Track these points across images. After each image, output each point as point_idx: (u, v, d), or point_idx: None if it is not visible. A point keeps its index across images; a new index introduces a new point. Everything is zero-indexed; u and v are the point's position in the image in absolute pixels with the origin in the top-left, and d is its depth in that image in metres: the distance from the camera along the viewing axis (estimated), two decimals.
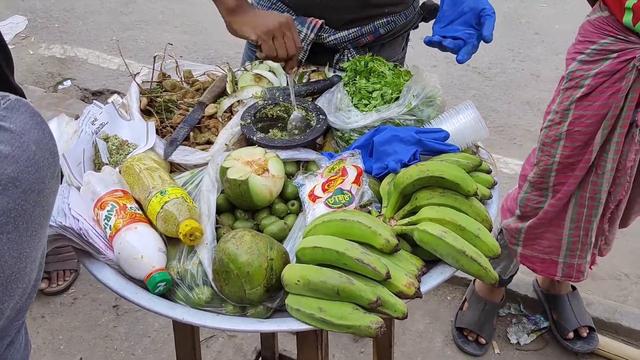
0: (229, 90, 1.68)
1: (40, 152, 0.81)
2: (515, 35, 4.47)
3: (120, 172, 1.44)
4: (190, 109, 1.64)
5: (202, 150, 1.53)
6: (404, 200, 1.37)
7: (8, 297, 0.80)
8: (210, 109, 1.64)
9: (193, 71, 1.78)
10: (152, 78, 1.72)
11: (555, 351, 2.48)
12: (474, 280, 2.56)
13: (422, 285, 1.24)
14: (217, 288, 1.24)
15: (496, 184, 1.47)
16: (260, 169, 1.37)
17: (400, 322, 2.49)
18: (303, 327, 1.20)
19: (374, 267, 1.17)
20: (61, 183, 1.42)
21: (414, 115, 1.56)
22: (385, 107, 1.56)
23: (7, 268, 0.78)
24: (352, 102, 1.60)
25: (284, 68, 1.64)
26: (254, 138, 1.50)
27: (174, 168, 1.53)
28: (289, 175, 1.47)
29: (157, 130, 1.57)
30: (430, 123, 1.56)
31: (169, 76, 1.75)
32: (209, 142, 1.58)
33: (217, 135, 1.57)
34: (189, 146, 1.55)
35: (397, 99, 1.58)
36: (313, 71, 1.79)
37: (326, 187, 1.38)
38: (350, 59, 1.78)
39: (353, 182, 1.37)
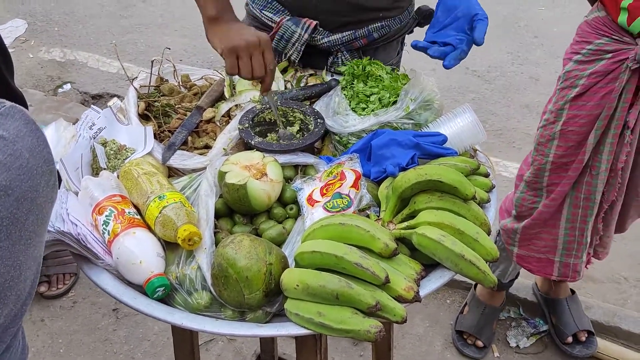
0: (226, 94, 1.68)
1: (33, 160, 0.80)
2: (514, 39, 4.48)
3: (118, 177, 1.44)
4: (188, 114, 1.64)
5: (200, 154, 1.53)
6: (403, 204, 1.37)
7: (2, 304, 0.79)
8: (208, 113, 1.64)
9: (191, 75, 1.78)
10: (149, 82, 1.72)
11: (555, 355, 2.48)
12: (475, 284, 2.56)
13: (421, 289, 1.25)
14: (216, 293, 1.24)
15: (494, 187, 1.47)
16: (259, 173, 1.37)
17: (399, 326, 2.48)
18: (302, 331, 1.19)
19: (373, 272, 1.17)
20: (59, 188, 1.42)
21: (412, 119, 1.56)
22: (383, 111, 1.56)
23: (0, 276, 0.77)
24: (350, 106, 1.60)
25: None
26: (252, 142, 1.50)
27: (172, 173, 1.53)
28: (288, 180, 1.47)
29: (155, 134, 1.57)
30: (428, 127, 1.56)
31: (167, 80, 1.75)
32: (207, 147, 1.58)
33: (215, 140, 1.56)
34: (187, 151, 1.55)
35: (394, 102, 1.58)
36: (311, 75, 1.80)
37: (324, 191, 1.38)
38: (344, 61, 1.79)
39: (351, 186, 1.37)
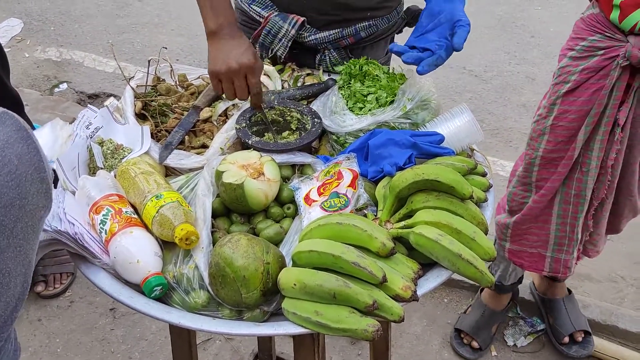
0: None
1: (22, 167, 0.79)
2: (510, 38, 4.48)
3: (115, 176, 1.43)
4: (185, 113, 1.64)
5: (198, 154, 1.53)
6: (400, 203, 1.37)
7: None
8: (205, 113, 1.64)
9: (188, 75, 1.78)
10: (146, 82, 1.72)
11: (552, 354, 2.48)
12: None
13: (419, 289, 1.25)
14: (214, 292, 1.24)
15: (491, 186, 1.47)
16: (256, 173, 1.37)
17: (397, 325, 2.49)
18: (300, 330, 1.20)
19: (370, 271, 1.17)
20: (55, 187, 1.42)
21: (409, 119, 1.56)
22: (381, 111, 1.56)
23: None
24: (347, 105, 1.60)
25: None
26: (249, 142, 1.50)
27: (169, 172, 1.53)
28: (285, 179, 1.47)
29: (152, 134, 1.57)
30: (425, 126, 1.56)
31: (164, 80, 1.75)
32: (204, 146, 1.58)
33: (212, 139, 1.56)
34: (184, 150, 1.55)
35: (392, 102, 1.58)
36: (308, 75, 1.80)
37: (322, 190, 1.38)
38: (332, 60, 1.79)
39: (349, 186, 1.38)
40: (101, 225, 1.30)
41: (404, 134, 1.48)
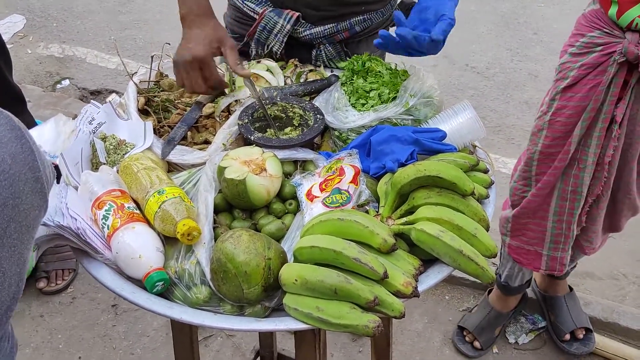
0: (226, 90, 1.68)
1: (16, 167, 0.78)
2: (513, 35, 4.48)
3: (117, 171, 1.44)
4: (188, 109, 1.64)
5: (200, 149, 1.53)
6: (402, 199, 1.37)
7: None
8: (207, 109, 1.64)
9: None
10: (149, 77, 1.72)
11: (553, 351, 2.48)
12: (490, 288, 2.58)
13: (420, 285, 1.25)
14: (215, 287, 1.24)
15: (493, 183, 1.47)
16: (258, 169, 1.37)
17: (398, 322, 2.50)
18: (301, 326, 1.20)
19: (371, 267, 1.17)
20: (58, 183, 1.42)
21: (412, 115, 1.56)
22: (383, 107, 1.56)
23: None
24: (349, 101, 1.60)
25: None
26: (252, 138, 1.50)
27: (172, 168, 1.53)
28: (287, 175, 1.47)
29: (154, 129, 1.57)
30: (427, 123, 1.56)
31: (167, 76, 1.75)
32: (207, 142, 1.58)
33: (214, 135, 1.57)
34: (186, 146, 1.55)
35: (394, 98, 1.58)
36: (310, 71, 1.80)
37: (324, 186, 1.38)
38: (327, 55, 1.79)
39: (350, 182, 1.38)
40: (103, 221, 1.30)
41: (406, 131, 1.48)
